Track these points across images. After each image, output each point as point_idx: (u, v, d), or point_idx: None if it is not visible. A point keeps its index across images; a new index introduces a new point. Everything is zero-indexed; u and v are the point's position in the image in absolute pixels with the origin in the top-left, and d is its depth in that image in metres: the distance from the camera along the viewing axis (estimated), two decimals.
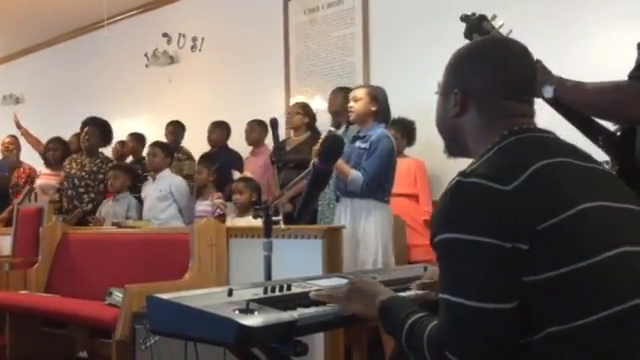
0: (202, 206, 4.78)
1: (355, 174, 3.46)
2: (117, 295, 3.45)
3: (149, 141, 5.55)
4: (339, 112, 4.40)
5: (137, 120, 6.88)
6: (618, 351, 1.09)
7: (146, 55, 7.00)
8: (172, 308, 1.39)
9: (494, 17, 2.12)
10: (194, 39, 6.75)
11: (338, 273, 2.23)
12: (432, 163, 4.45)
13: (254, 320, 1.28)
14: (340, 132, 3.99)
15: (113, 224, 4.59)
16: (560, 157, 1.23)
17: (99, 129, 5.37)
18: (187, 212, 4.89)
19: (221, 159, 5.22)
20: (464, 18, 2.14)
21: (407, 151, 4.50)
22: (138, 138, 6.01)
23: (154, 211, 4.84)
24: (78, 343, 4.42)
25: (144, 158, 5.85)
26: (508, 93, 1.33)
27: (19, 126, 6.42)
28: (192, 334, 1.40)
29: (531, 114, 1.35)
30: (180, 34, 6.86)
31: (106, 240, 4.36)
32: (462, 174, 1.20)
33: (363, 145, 3.54)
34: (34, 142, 6.48)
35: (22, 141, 6.68)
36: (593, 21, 4.03)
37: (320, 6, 5.65)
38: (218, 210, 4.68)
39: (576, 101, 1.87)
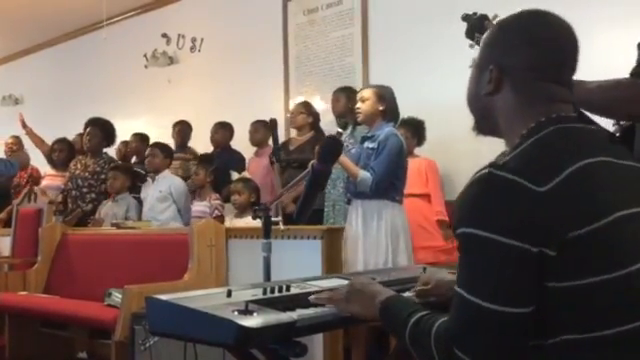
0: (199, 207, 4.78)
1: (364, 174, 3.43)
2: (116, 296, 3.45)
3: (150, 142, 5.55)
4: (343, 113, 4.40)
5: (136, 121, 6.88)
6: None
7: (145, 56, 7.00)
8: (171, 309, 1.39)
9: (495, 17, 2.12)
10: (193, 40, 6.75)
11: (337, 274, 2.22)
12: (442, 162, 4.45)
13: (253, 321, 1.27)
14: (347, 133, 3.99)
15: (112, 225, 4.59)
16: (599, 156, 1.16)
17: (101, 130, 5.37)
18: (186, 213, 4.88)
19: (224, 160, 5.23)
20: (465, 17, 2.14)
21: (417, 151, 4.47)
22: (142, 138, 6.01)
23: (154, 212, 4.84)
24: (77, 344, 4.42)
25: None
26: (548, 74, 1.23)
27: (24, 125, 6.41)
28: (191, 335, 1.40)
29: (570, 99, 1.26)
30: (179, 35, 6.86)
31: (105, 241, 4.35)
32: (494, 165, 1.13)
33: (371, 145, 3.50)
34: (38, 142, 6.46)
35: (25, 141, 6.67)
36: (593, 21, 4.03)
37: (319, 7, 5.65)
38: (216, 211, 4.67)
39: (578, 99, 1.87)
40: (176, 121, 5.87)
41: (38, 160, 6.41)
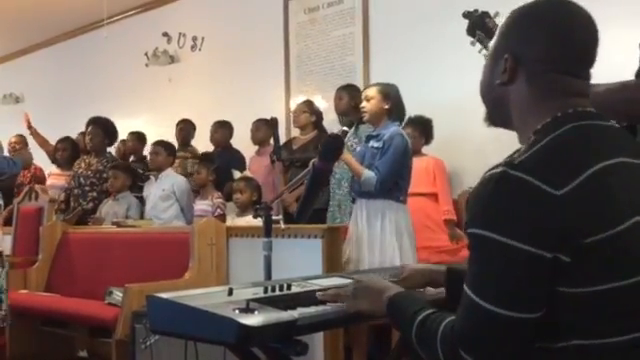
0: (201, 205, 4.78)
1: (368, 174, 3.41)
2: (117, 294, 3.45)
3: (150, 141, 5.55)
4: (346, 111, 4.39)
5: (137, 120, 6.88)
6: None
7: (146, 54, 6.99)
8: (172, 307, 1.39)
9: (497, 14, 2.11)
10: (194, 38, 6.75)
11: (338, 273, 2.22)
12: (450, 161, 4.43)
13: (254, 319, 1.27)
14: (351, 132, 3.98)
15: (113, 223, 4.59)
16: (618, 157, 1.12)
17: (102, 128, 5.36)
18: (189, 212, 4.88)
19: (224, 159, 5.22)
20: (467, 15, 2.14)
21: (425, 149, 4.45)
22: (139, 137, 6.01)
23: (156, 210, 4.83)
24: (78, 342, 4.42)
25: (145, 157, 5.85)
26: (565, 66, 1.19)
27: (29, 125, 6.39)
28: (192, 333, 1.40)
29: (587, 93, 1.21)
30: (180, 33, 6.85)
31: (106, 239, 4.35)
32: (509, 164, 1.09)
33: (376, 144, 3.48)
34: (42, 142, 6.45)
35: (28, 140, 6.66)
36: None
37: (320, 5, 5.65)
38: (218, 210, 4.68)
39: None
40: (179, 120, 5.88)
41: (42, 160, 6.41)
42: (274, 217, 2.44)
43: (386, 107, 3.54)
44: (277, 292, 1.57)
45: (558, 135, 1.13)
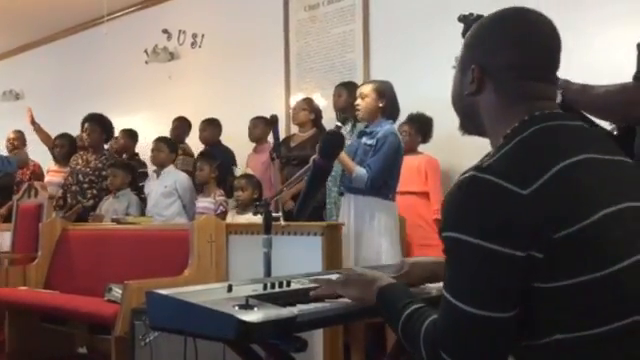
0: (203, 202, 4.77)
1: (360, 171, 3.43)
2: (116, 291, 3.45)
3: (150, 138, 5.54)
4: (345, 108, 4.39)
5: (137, 116, 6.88)
6: None
7: (146, 51, 6.99)
8: (172, 304, 1.39)
9: None
10: (194, 35, 6.74)
11: (338, 270, 2.22)
12: (443, 159, 4.43)
13: (254, 316, 1.27)
14: (347, 129, 3.98)
15: (112, 220, 4.59)
16: (585, 153, 1.14)
17: (99, 124, 5.36)
18: (191, 209, 4.88)
19: (216, 156, 5.22)
20: (462, 18, 2.13)
21: (422, 148, 4.46)
22: (130, 134, 6.00)
23: (158, 207, 4.83)
24: (77, 339, 4.43)
25: (137, 154, 5.85)
26: (530, 72, 1.22)
27: (33, 122, 6.39)
28: (192, 330, 1.40)
29: (553, 96, 1.26)
30: (180, 30, 6.85)
31: (106, 236, 4.35)
32: (477, 168, 1.12)
33: (369, 142, 3.50)
34: (45, 138, 6.43)
35: (31, 137, 6.65)
36: (592, 21, 4.02)
37: (320, 3, 5.64)
38: (221, 207, 4.67)
39: (581, 102, 1.86)
40: (175, 117, 5.87)
41: (43, 156, 6.41)
42: (274, 214, 2.43)
43: (381, 105, 3.56)
44: (277, 289, 1.57)
45: (524, 137, 1.16)
